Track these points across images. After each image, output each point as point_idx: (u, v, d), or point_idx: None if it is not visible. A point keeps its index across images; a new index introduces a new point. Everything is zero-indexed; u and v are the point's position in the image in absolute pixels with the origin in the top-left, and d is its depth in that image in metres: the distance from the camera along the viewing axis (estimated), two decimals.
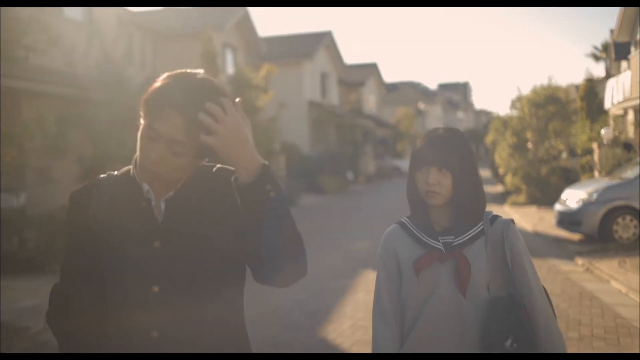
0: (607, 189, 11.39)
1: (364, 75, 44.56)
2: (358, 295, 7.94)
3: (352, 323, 6.63)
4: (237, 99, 1.64)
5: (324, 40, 35.30)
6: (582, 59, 53.87)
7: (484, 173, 36.59)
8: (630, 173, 11.74)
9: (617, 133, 15.36)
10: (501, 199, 21.85)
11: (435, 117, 66.87)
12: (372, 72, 46.89)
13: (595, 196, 11.30)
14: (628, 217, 11.05)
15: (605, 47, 30.74)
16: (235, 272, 1.76)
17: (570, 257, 10.35)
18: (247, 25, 26.65)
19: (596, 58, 41.39)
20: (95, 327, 1.74)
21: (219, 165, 1.81)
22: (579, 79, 21.08)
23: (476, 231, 2.14)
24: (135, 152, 1.75)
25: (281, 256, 1.62)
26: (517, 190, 20.71)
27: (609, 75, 22.82)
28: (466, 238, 2.13)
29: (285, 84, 29.28)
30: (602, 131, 14.84)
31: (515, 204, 19.64)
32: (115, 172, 1.83)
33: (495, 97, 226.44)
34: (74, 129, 11.79)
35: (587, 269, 9.33)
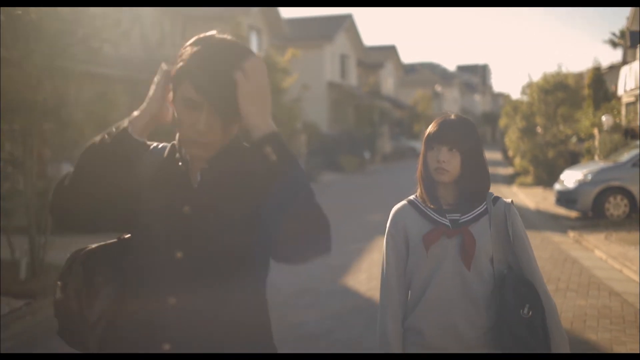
0: (601, 170, 12.55)
1: (383, 57, 45.56)
2: (373, 254, 9.25)
3: (368, 275, 7.93)
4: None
5: (344, 23, 36.32)
6: (601, 44, 54.33)
7: (496, 155, 37.63)
8: (624, 157, 12.87)
9: (618, 120, 16.40)
10: (510, 179, 23.00)
11: (452, 100, 67.61)
12: (390, 54, 47.87)
13: (590, 177, 12.46)
14: (619, 197, 12.22)
15: (623, 34, 31.43)
16: (260, 250, 1.68)
17: (564, 230, 11.55)
18: (272, 9, 27.76)
19: (614, 44, 42.01)
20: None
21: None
22: (597, 64, 21.76)
23: (481, 210, 2.31)
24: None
25: (299, 232, 1.54)
26: (525, 172, 21.85)
27: (625, 61, 23.59)
28: (472, 216, 2.29)
29: (306, 66, 30.33)
30: (603, 118, 15.91)
31: (523, 184, 20.78)
32: (165, 144, 1.83)
33: (514, 80, 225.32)
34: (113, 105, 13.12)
35: (577, 241, 10.53)
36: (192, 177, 1.72)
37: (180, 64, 1.63)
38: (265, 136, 1.56)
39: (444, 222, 2.27)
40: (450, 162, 2.26)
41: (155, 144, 1.82)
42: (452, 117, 2.36)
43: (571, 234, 11.10)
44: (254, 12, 25.86)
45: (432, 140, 2.31)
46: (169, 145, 1.81)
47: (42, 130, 7.35)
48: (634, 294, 6.98)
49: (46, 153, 7.94)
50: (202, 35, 1.68)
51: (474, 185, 2.31)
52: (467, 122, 2.36)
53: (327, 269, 8.24)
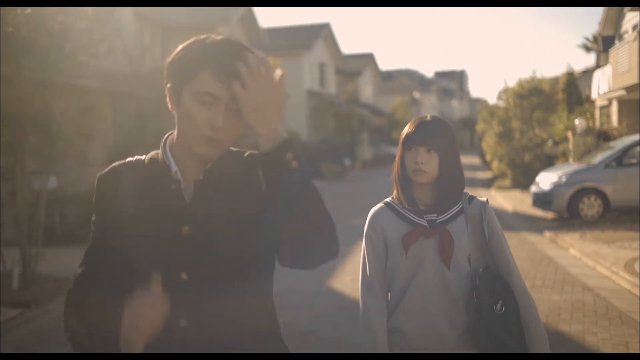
0: (575, 172, 12.94)
1: (361, 65, 46.00)
2: (356, 258, 9.49)
3: (352, 277, 8.20)
4: (281, 72, 1.55)
5: (322, 32, 36.68)
6: (575, 49, 55.52)
7: (474, 160, 38.15)
8: (596, 159, 13.28)
9: (591, 123, 16.87)
10: (488, 183, 23.43)
11: (430, 106, 68.25)
12: (368, 62, 48.32)
13: (564, 179, 12.84)
14: (592, 197, 12.61)
15: (596, 39, 32.12)
16: (264, 256, 1.67)
17: (540, 231, 11.91)
18: (251, 19, 28.06)
19: (587, 49, 42.76)
20: (116, 315, 1.59)
21: (250, 151, 1.75)
22: (573, 68, 22.27)
23: (457, 209, 2.33)
24: (158, 137, 1.74)
25: (308, 235, 1.52)
26: (503, 175, 22.29)
27: (598, 65, 24.17)
28: (449, 216, 2.31)
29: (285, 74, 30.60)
30: (576, 121, 16.37)
31: (501, 187, 21.21)
32: (143, 157, 1.75)
33: (491, 85, 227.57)
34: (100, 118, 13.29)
35: (552, 240, 10.89)
36: (186, 192, 1.65)
37: (186, 62, 1.56)
38: (281, 144, 1.48)
39: (421, 222, 2.29)
40: (428, 163, 2.27)
41: (128, 160, 1.74)
42: (429, 118, 2.38)
43: (547, 234, 11.46)
44: (233, 23, 26.12)
45: (409, 141, 2.32)
46: (145, 157, 1.73)
47: (30, 143, 7.53)
48: (606, 289, 7.32)
49: (29, 165, 8.10)
50: (199, 37, 1.62)
51: (451, 185, 2.33)
52: (443, 123, 2.37)
53: (313, 272, 8.48)
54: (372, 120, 44.68)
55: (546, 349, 2.29)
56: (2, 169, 7.48)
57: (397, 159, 2.39)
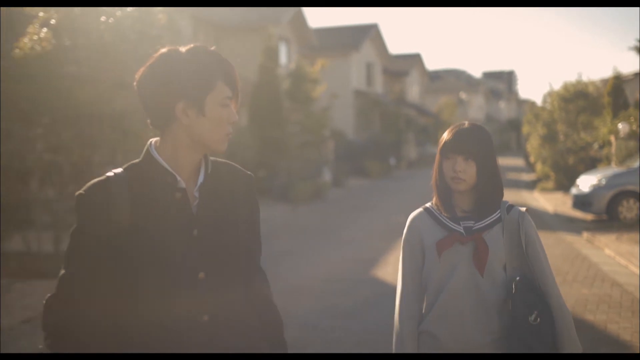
0: (615, 175, 13.28)
1: (408, 65, 46.40)
2: (399, 251, 10.11)
3: (394, 267, 8.81)
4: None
5: (370, 32, 37.24)
6: (627, 51, 54.44)
7: (519, 161, 38.21)
8: (637, 163, 13.58)
9: (634, 128, 17.06)
10: (532, 185, 23.71)
11: (477, 107, 68.08)
12: (415, 62, 48.67)
13: (604, 181, 13.20)
14: (632, 200, 12.94)
15: None
16: (255, 254, 1.98)
17: (578, 231, 12.30)
18: (300, 19, 28.78)
19: (639, 50, 42.14)
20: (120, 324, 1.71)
21: (225, 161, 1.96)
22: (624, 70, 22.31)
23: (494, 218, 2.34)
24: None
25: None
26: (546, 178, 22.53)
27: None
28: (485, 223, 2.33)
29: (333, 74, 31.25)
30: (619, 125, 16.60)
31: (544, 189, 21.48)
32: (119, 170, 1.79)
33: (541, 86, 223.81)
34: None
35: (589, 240, 11.30)
36: (190, 198, 1.80)
37: (204, 73, 1.75)
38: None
39: (457, 229, 2.32)
40: (466, 172, 2.31)
41: (106, 176, 1.77)
42: (466, 125, 2.41)
43: (585, 234, 11.86)
44: (284, 23, 26.87)
45: (447, 149, 2.36)
46: (124, 170, 1.79)
47: (107, 138, 8.35)
48: (634, 285, 7.77)
49: (106, 158, 8.90)
50: (174, 50, 1.78)
51: (489, 193, 2.36)
52: (481, 131, 2.39)
53: (358, 262, 9.13)
54: (418, 120, 45.03)
55: None
56: (80, 162, 8.29)
57: (435, 166, 2.45)
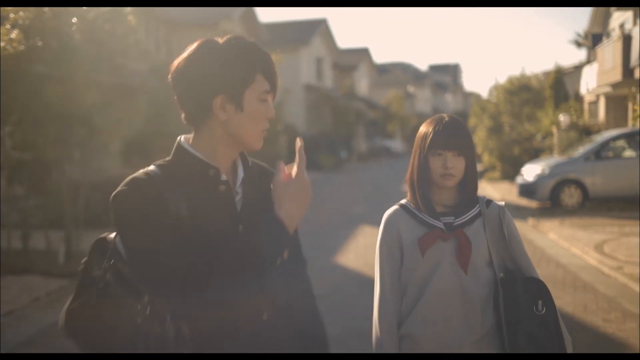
0: (557, 165, 14.08)
1: (357, 59, 47.09)
2: (358, 239, 10.66)
3: (355, 254, 9.33)
4: (300, 144, 1.74)
5: (319, 28, 37.71)
6: (567, 44, 56.59)
7: None
8: (578, 152, 14.41)
9: (574, 119, 18.01)
10: (479, 175, 24.54)
11: (424, 100, 69.41)
12: (364, 56, 49.42)
13: (547, 170, 13.97)
14: (573, 187, 13.75)
15: (587, 35, 33.17)
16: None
17: (524, 218, 13.04)
18: (251, 15, 29.03)
19: (578, 44, 43.73)
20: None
21: (265, 166, 1.95)
22: (564, 63, 23.43)
23: (474, 212, 2.30)
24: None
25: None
26: (493, 168, 23.44)
27: (589, 61, 25.19)
28: (466, 218, 2.28)
29: (284, 69, 31.57)
30: (561, 117, 17.51)
31: (491, 179, 22.37)
32: (152, 167, 1.70)
33: (485, 79, 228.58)
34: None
35: (534, 226, 12.02)
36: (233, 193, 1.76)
37: (243, 66, 1.68)
38: (285, 240, 1.69)
39: (438, 225, 2.26)
40: (456, 167, 2.25)
41: (143, 173, 1.68)
42: (447, 119, 2.33)
43: (530, 220, 12.59)
44: (235, 19, 27.08)
45: (436, 145, 2.27)
46: (160, 166, 1.71)
47: (76, 136, 8.58)
48: (576, 265, 8.45)
49: (75, 156, 9.12)
50: (211, 41, 1.71)
51: (471, 187, 2.32)
52: (463, 125, 2.35)
53: (320, 250, 9.59)
54: (368, 114, 45.77)
55: (570, 350, 2.28)
56: (53, 161, 8.51)
57: (415, 162, 2.34)
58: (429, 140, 2.29)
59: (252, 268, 1.61)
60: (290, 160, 1.78)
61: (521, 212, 13.89)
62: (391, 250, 2.32)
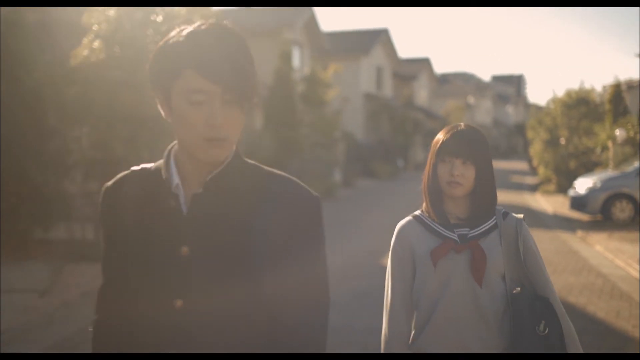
0: (610, 179, 14.20)
1: (417, 69, 47.34)
2: None
3: None
4: None
5: (380, 37, 38.17)
6: (632, 57, 55.28)
7: (523, 165, 39.12)
8: (631, 167, 14.48)
9: (631, 134, 17.95)
10: (534, 188, 24.62)
11: (484, 111, 68.84)
12: (424, 66, 49.62)
13: (599, 184, 14.12)
14: (624, 202, 13.86)
15: None
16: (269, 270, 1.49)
17: (573, 230, 13.22)
18: (313, 24, 29.72)
19: None
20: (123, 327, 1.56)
21: (270, 170, 1.59)
22: (632, 76, 23.20)
23: (490, 224, 2.22)
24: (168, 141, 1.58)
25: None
26: (548, 181, 23.44)
27: None
28: (481, 230, 2.21)
29: (344, 77, 32.11)
30: (617, 131, 17.51)
31: (546, 192, 22.39)
32: (150, 165, 1.61)
33: (550, 90, 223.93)
34: None
35: (582, 238, 12.21)
36: (186, 206, 1.51)
37: (167, 59, 1.43)
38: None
39: (452, 236, 2.20)
40: (464, 176, 2.19)
41: (133, 169, 1.62)
42: (463, 127, 2.29)
43: (579, 232, 12.77)
44: (298, 27, 27.81)
45: (444, 152, 2.23)
46: (152, 166, 1.61)
47: (144, 138, 9.30)
48: (616, 275, 8.70)
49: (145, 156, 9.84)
50: (183, 26, 1.48)
51: (485, 199, 2.24)
52: (478, 133, 2.28)
53: (368, 253, 10.09)
54: (426, 124, 45.93)
55: None
56: (123, 160, 9.25)
57: (427, 170, 2.31)
58: (438, 147, 2.28)
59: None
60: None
61: (571, 225, 14.06)
62: (402, 262, 2.27)
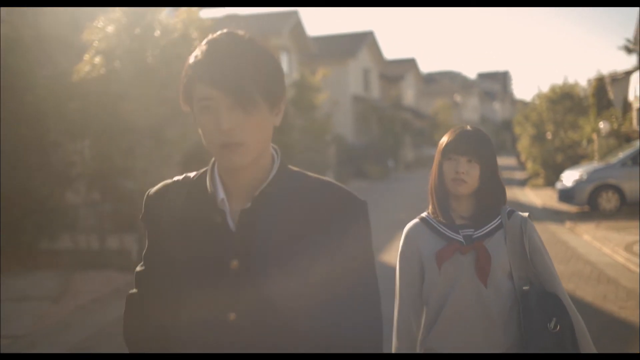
0: (595, 170, 14.63)
1: (403, 70, 47.84)
2: (397, 243, 11.47)
3: (397, 253, 10.13)
4: None
5: (366, 40, 38.60)
6: (616, 50, 55.85)
7: (511, 161, 39.68)
8: (615, 158, 14.91)
9: (615, 127, 18.41)
10: (523, 182, 25.07)
11: (471, 108, 69.43)
12: (410, 66, 50.11)
13: (585, 176, 14.54)
14: (610, 192, 14.27)
15: (636, 40, 33.08)
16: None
17: (562, 221, 13.63)
18: (300, 29, 30.10)
19: (628, 50, 43.46)
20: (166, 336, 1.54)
21: (330, 181, 1.57)
22: (616, 69, 23.62)
23: (495, 224, 2.25)
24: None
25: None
26: (536, 175, 23.90)
27: None
28: (486, 230, 2.24)
29: (332, 81, 32.49)
30: (601, 124, 17.96)
31: (535, 186, 22.82)
32: (192, 174, 1.60)
33: (535, 86, 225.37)
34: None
35: (570, 229, 12.62)
36: (233, 220, 1.49)
37: (187, 79, 1.45)
38: None
39: (457, 238, 2.23)
40: (469, 173, 2.22)
41: (176, 178, 1.62)
42: (469, 128, 2.33)
43: (568, 224, 13.18)
44: (284, 33, 28.16)
45: (449, 150, 2.27)
46: (195, 176, 1.60)
47: (143, 147, 9.62)
48: (604, 262, 9.09)
49: (142, 166, 10.17)
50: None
51: (491, 198, 2.28)
52: (484, 134, 2.32)
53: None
54: (414, 123, 46.41)
55: None
56: (121, 169, 9.57)
57: (434, 169, 2.34)
58: (443, 146, 2.32)
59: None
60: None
61: (560, 217, 14.47)
62: (410, 264, 2.32)
